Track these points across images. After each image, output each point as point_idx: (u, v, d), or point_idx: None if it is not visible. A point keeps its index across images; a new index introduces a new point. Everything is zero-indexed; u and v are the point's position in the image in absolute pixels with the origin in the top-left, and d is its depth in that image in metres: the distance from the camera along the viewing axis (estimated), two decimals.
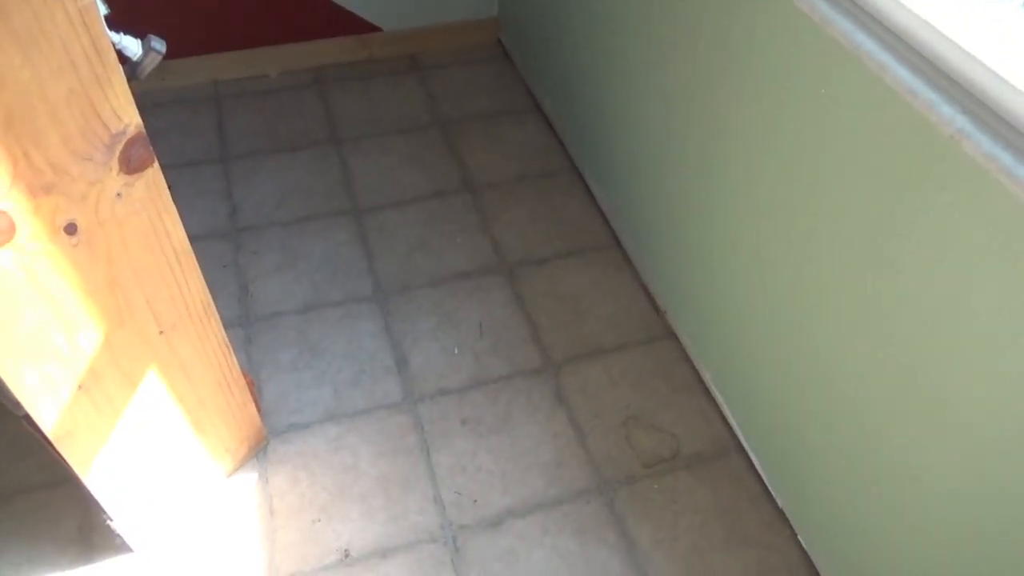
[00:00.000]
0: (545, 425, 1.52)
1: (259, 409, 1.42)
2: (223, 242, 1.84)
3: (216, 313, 1.17)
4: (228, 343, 1.22)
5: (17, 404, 1.38)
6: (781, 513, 1.40)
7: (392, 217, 1.92)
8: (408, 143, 2.13)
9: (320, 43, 2.33)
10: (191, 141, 2.09)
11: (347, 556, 1.32)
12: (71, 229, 0.90)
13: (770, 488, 1.42)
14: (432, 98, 2.28)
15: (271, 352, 1.61)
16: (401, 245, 1.86)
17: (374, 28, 2.36)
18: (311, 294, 1.73)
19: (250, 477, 1.42)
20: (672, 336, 1.68)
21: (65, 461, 1.21)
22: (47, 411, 1.01)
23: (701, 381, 1.60)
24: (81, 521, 1.34)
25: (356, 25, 2.33)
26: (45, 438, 1.24)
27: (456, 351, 1.64)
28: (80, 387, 1.02)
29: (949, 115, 0.83)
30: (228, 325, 1.59)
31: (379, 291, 1.75)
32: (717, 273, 1.45)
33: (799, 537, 1.36)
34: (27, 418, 1.31)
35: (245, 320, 1.67)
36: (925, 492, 1.04)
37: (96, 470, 1.12)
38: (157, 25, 1.48)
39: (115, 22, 0.93)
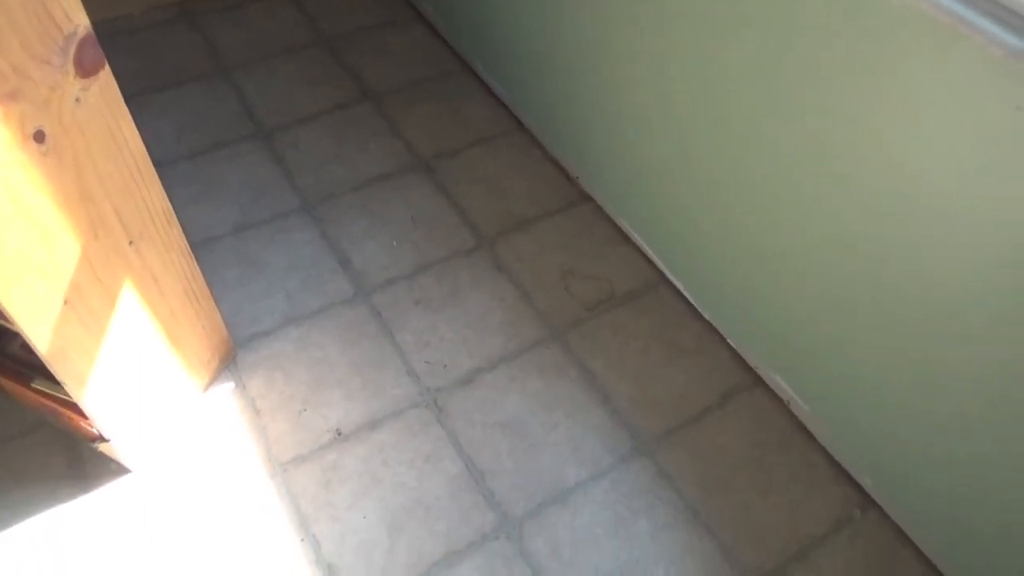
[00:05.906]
0: (491, 293, 1.65)
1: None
2: None
3: (177, 221, 1.21)
4: (190, 251, 1.26)
5: None
6: (709, 325, 1.61)
7: (301, 134, 1.95)
8: (297, 63, 2.14)
9: None
10: None
11: (339, 434, 1.42)
12: (39, 137, 0.92)
13: (697, 307, 1.63)
14: (310, 18, 2.28)
15: (215, 273, 1.64)
16: (317, 159, 1.90)
17: None
18: (239, 216, 1.76)
19: (227, 387, 1.47)
20: (588, 199, 1.84)
21: (36, 405, 1.23)
22: (39, 330, 1.03)
23: (621, 231, 1.77)
24: (68, 457, 1.37)
25: None
26: (17, 383, 1.25)
27: (395, 244, 1.73)
28: (66, 302, 1.05)
29: None
30: None
31: (306, 204, 1.80)
32: (619, 133, 1.60)
33: (728, 340, 1.58)
34: None
35: None
36: (834, 272, 1.24)
37: (90, 389, 1.16)
38: None
39: None
